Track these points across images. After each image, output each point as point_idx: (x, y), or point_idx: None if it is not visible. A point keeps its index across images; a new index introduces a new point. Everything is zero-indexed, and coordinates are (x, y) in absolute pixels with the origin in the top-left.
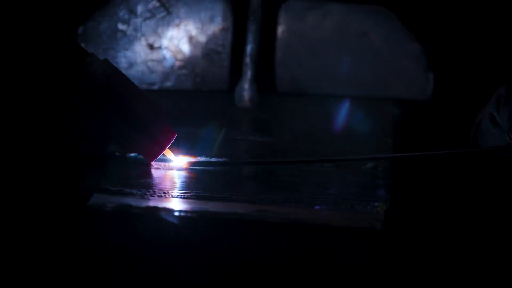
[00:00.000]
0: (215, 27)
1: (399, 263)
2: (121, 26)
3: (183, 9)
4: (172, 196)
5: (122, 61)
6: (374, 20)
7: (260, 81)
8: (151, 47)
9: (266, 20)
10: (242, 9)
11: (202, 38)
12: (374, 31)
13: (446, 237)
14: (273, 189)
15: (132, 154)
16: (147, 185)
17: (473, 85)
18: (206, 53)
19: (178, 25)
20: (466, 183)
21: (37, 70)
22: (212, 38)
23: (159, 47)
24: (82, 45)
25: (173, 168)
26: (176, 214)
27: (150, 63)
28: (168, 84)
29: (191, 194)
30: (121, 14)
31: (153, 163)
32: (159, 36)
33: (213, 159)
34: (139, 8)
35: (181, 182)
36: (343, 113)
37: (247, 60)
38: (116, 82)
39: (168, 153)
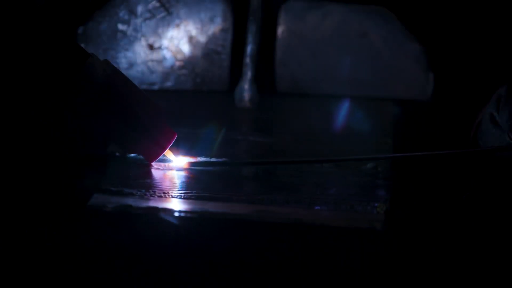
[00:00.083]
0: (215, 28)
1: (399, 263)
2: (121, 27)
3: (183, 9)
4: (172, 197)
5: (122, 61)
6: (374, 20)
7: (260, 81)
8: (151, 47)
9: (266, 21)
10: (242, 10)
11: (202, 39)
12: (374, 32)
13: (446, 237)
14: (273, 189)
15: (132, 155)
16: (147, 186)
17: (473, 85)
18: (206, 54)
19: (178, 26)
20: (466, 183)
21: (37, 71)
22: (212, 39)
23: (159, 48)
24: (82, 45)
25: (173, 169)
26: (176, 214)
27: (150, 63)
28: (168, 84)
29: (191, 194)
30: (121, 14)
31: (153, 163)
32: (159, 37)
33: (213, 159)
34: (139, 9)
35: (181, 183)
36: (343, 113)
37: (247, 60)
38: (116, 83)
39: (168, 153)
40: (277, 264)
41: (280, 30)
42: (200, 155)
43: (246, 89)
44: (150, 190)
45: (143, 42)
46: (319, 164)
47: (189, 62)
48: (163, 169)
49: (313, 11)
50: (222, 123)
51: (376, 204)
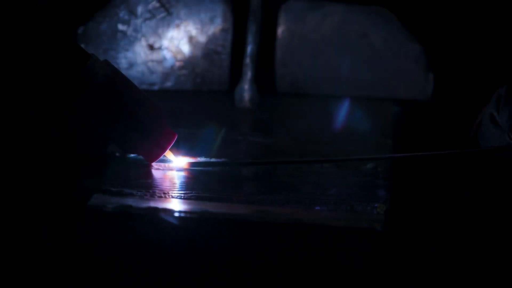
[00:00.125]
0: (215, 28)
1: (399, 263)
2: (121, 27)
3: (183, 9)
4: (172, 197)
5: (122, 61)
6: (374, 20)
7: (260, 81)
8: (151, 47)
9: (266, 21)
10: (242, 10)
11: (202, 39)
12: (374, 32)
13: (446, 237)
14: (273, 189)
15: (132, 155)
16: (147, 186)
17: (473, 85)
18: (206, 54)
19: (178, 26)
20: (466, 183)
21: (38, 72)
22: (212, 39)
23: (159, 48)
24: (82, 45)
25: (173, 169)
26: (176, 214)
27: (150, 64)
28: (168, 84)
29: (191, 194)
30: (121, 14)
31: (153, 163)
32: (159, 37)
33: (213, 160)
34: (139, 9)
35: (181, 183)
36: (343, 113)
37: (247, 60)
38: (116, 83)
39: (168, 153)
40: (277, 264)
41: (280, 30)
42: (200, 156)
43: (246, 89)
44: (150, 191)
45: (143, 43)
46: (319, 164)
47: (189, 62)
48: (163, 170)
49: (313, 11)
50: (222, 123)
51: (376, 205)
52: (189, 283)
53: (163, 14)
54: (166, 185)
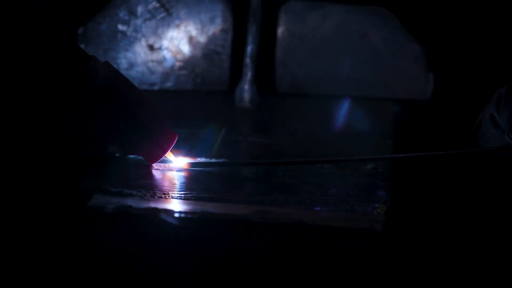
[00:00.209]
0: (215, 28)
1: (399, 264)
2: (121, 27)
3: (183, 10)
4: (172, 197)
5: (122, 62)
6: (374, 21)
7: (260, 81)
8: (151, 48)
9: (266, 21)
10: (242, 10)
11: (202, 39)
12: (374, 32)
13: (446, 237)
14: (273, 190)
15: (132, 156)
16: (147, 186)
17: (473, 85)
18: (206, 54)
19: (178, 26)
20: (466, 183)
21: (38, 73)
22: (212, 39)
23: (159, 48)
24: (82, 46)
25: (173, 169)
26: (176, 215)
27: (150, 64)
28: (168, 84)
29: (191, 195)
30: (121, 15)
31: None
32: (159, 37)
33: (213, 160)
34: (139, 9)
35: (181, 183)
36: (343, 113)
37: (247, 60)
38: (117, 85)
39: (168, 154)
40: (277, 264)
41: (280, 30)
42: (200, 156)
43: (246, 89)
44: (150, 191)
45: (143, 43)
46: (319, 165)
47: (189, 63)
48: (163, 170)
49: (313, 12)
50: (222, 123)
51: (376, 205)
52: (189, 283)
53: (163, 15)
54: (166, 185)
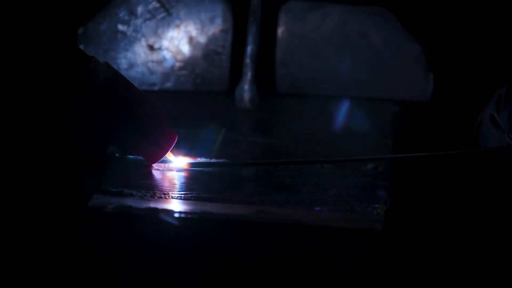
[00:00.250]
0: (215, 28)
1: (399, 264)
2: (121, 27)
3: (183, 10)
4: (172, 197)
5: (122, 62)
6: (374, 21)
7: (260, 82)
8: (151, 48)
9: (266, 21)
10: (242, 10)
11: (202, 39)
12: (374, 32)
13: (446, 238)
14: (273, 190)
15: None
16: (147, 186)
17: (473, 85)
18: (206, 54)
19: (178, 26)
20: (466, 183)
21: (39, 74)
22: (212, 39)
23: (159, 48)
24: (82, 46)
25: (173, 169)
26: (176, 215)
27: (150, 64)
28: (168, 85)
29: (191, 195)
30: (121, 15)
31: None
32: (159, 37)
33: (213, 160)
34: (139, 9)
35: (181, 183)
36: (343, 113)
37: (247, 61)
38: (117, 86)
39: (168, 154)
40: (277, 264)
41: (280, 30)
42: (200, 156)
43: (246, 89)
44: (150, 191)
45: (143, 43)
46: (319, 165)
47: (189, 63)
48: (163, 170)
49: (313, 12)
50: (222, 123)
51: (376, 205)
52: (189, 283)
53: (163, 15)
54: (166, 185)
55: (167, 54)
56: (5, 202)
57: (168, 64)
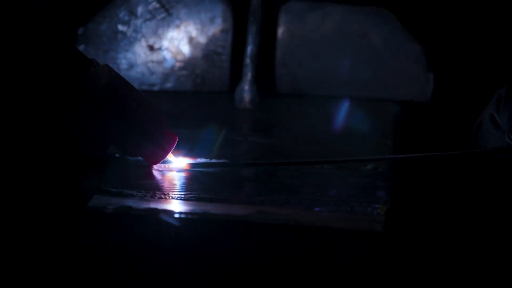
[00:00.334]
0: (215, 28)
1: (399, 264)
2: (121, 27)
3: (183, 10)
4: (172, 198)
5: (122, 62)
6: (374, 21)
7: (261, 82)
8: (151, 48)
9: (266, 21)
10: (242, 10)
11: (202, 39)
12: (374, 32)
13: (446, 238)
14: (273, 190)
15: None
16: (147, 187)
17: (473, 85)
18: (206, 54)
19: (178, 26)
20: (466, 184)
21: (39, 76)
22: (212, 39)
23: (159, 48)
24: (82, 46)
25: (173, 170)
26: (176, 215)
27: (150, 64)
28: (168, 85)
29: (191, 195)
30: (121, 15)
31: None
32: (159, 37)
33: (213, 161)
34: (139, 9)
35: (181, 184)
36: (343, 113)
37: (247, 61)
38: (118, 88)
39: (168, 155)
40: (277, 265)
41: (280, 31)
42: (200, 156)
43: (246, 90)
44: (151, 192)
45: (143, 43)
46: (319, 165)
47: (189, 63)
48: (163, 171)
49: (313, 12)
50: (222, 124)
51: (376, 205)
52: (190, 283)
53: (163, 15)
54: (166, 186)
55: (167, 55)
56: (5, 202)
57: (168, 65)
